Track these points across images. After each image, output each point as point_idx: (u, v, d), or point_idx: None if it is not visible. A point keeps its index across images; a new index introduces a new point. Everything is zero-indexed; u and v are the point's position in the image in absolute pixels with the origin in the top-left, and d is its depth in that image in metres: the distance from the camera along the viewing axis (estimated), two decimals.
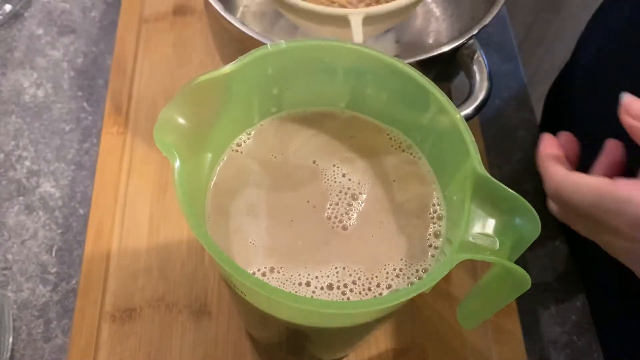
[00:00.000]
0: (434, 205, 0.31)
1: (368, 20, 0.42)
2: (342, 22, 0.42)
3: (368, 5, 0.46)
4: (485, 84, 0.42)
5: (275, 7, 0.47)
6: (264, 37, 0.40)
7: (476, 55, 0.43)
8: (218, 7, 0.41)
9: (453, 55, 0.43)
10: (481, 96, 0.41)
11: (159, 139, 0.26)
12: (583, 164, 0.38)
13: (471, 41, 0.43)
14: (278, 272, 0.29)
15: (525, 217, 0.26)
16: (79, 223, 0.48)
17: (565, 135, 0.39)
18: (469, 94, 0.42)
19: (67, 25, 0.58)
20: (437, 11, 0.54)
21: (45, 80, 0.55)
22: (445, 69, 0.46)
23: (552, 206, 0.38)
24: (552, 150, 0.37)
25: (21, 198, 0.49)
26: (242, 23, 0.40)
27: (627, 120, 0.33)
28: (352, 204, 0.31)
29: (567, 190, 0.34)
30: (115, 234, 0.46)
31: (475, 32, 0.42)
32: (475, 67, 0.42)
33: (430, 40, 0.53)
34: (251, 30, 0.40)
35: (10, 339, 0.43)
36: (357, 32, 0.41)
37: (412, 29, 0.53)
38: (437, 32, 0.53)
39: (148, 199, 0.48)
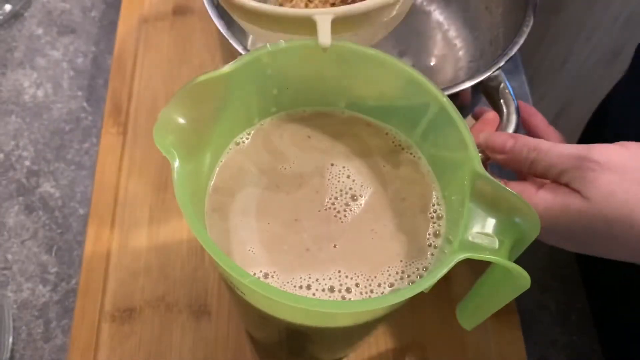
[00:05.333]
0: (433, 205, 0.31)
1: (337, 24, 0.32)
2: (306, 27, 0.32)
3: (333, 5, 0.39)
4: (514, 118, 0.39)
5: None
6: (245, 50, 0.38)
7: (502, 87, 0.40)
8: (212, 13, 0.40)
9: (476, 87, 0.40)
10: (510, 131, 0.39)
11: (159, 139, 0.26)
12: None
13: (497, 72, 0.40)
14: (278, 275, 0.29)
15: (525, 217, 0.26)
16: (79, 223, 0.48)
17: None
18: (497, 128, 0.39)
19: (67, 25, 0.58)
20: (453, 34, 0.53)
21: (45, 80, 0.55)
22: (465, 102, 0.44)
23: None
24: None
25: (21, 198, 0.49)
26: (231, 34, 0.39)
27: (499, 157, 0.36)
28: (352, 204, 0.31)
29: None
30: (115, 234, 0.46)
31: (501, 64, 0.40)
32: (501, 100, 0.40)
33: (448, 65, 0.51)
34: (236, 40, 0.39)
35: (10, 339, 0.43)
36: (325, 34, 0.31)
37: (428, 53, 0.51)
38: (455, 58, 0.51)
39: (148, 199, 0.48)
